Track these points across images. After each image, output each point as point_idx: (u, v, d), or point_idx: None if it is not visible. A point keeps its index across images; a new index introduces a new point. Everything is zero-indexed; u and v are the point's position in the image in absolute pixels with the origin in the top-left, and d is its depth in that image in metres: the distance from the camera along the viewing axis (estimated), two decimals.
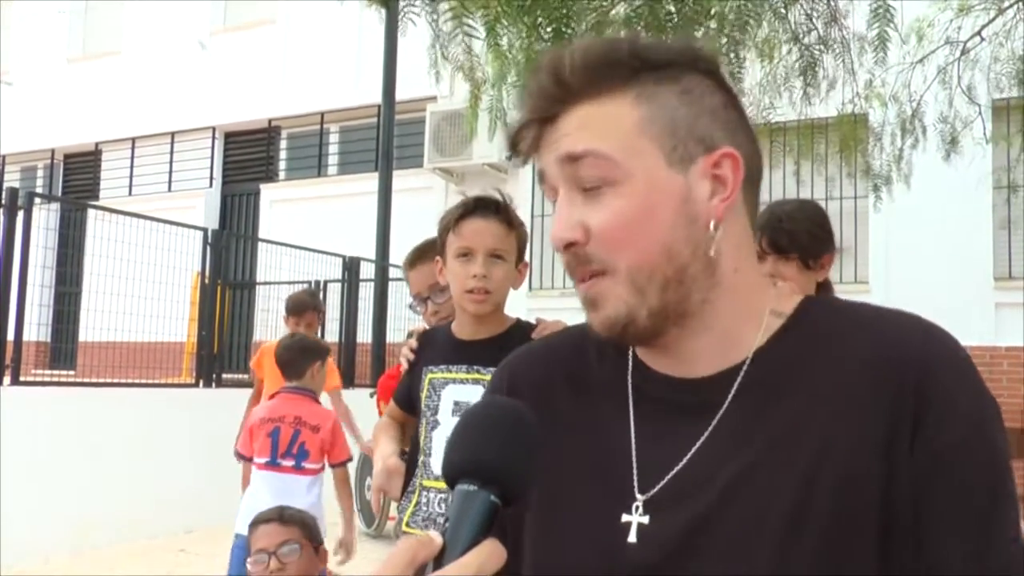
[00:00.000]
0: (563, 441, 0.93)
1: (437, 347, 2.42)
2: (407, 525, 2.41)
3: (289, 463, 4.05)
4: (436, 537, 0.67)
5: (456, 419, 2.29)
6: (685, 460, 0.86)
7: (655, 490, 0.86)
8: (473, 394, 2.30)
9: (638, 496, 0.86)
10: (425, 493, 2.36)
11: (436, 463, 2.34)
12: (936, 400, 0.79)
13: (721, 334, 0.89)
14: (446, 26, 3.24)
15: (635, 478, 0.87)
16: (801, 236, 2.44)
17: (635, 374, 0.94)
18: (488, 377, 2.19)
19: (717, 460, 0.84)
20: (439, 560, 0.66)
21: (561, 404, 0.96)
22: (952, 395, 0.80)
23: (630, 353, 0.96)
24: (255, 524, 2.79)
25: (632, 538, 0.85)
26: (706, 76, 0.90)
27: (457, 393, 2.34)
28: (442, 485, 2.27)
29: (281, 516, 2.79)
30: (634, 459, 0.89)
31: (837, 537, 0.78)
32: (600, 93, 0.88)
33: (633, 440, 0.90)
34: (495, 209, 2.29)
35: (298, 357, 4.25)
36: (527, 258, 2.41)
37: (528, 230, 2.44)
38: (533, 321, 2.44)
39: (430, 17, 3.30)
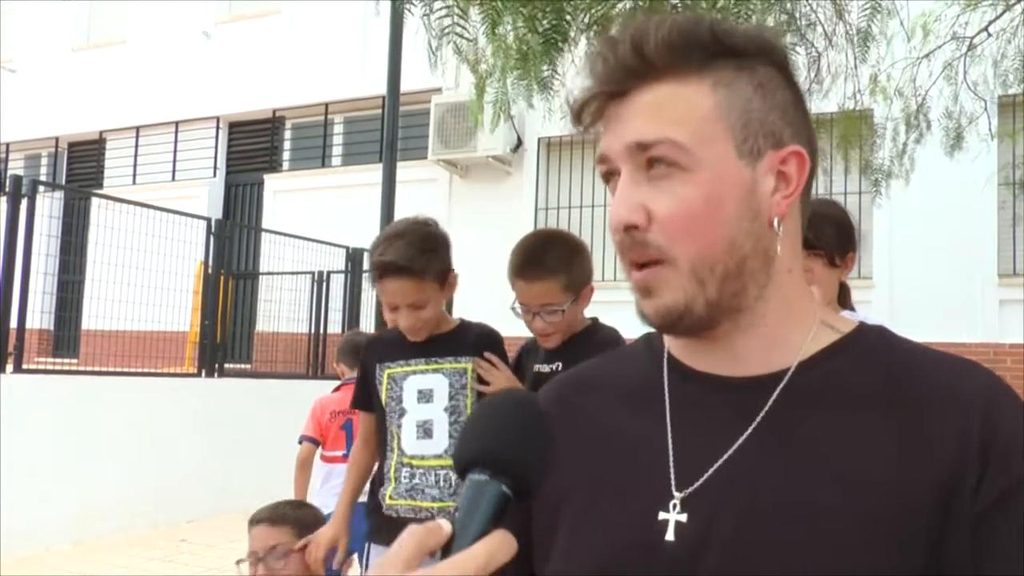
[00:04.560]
0: (598, 441, 0.93)
1: (389, 346, 2.72)
2: (391, 498, 2.65)
3: None
4: (445, 525, 0.65)
5: (421, 405, 2.58)
6: (724, 458, 0.85)
7: (693, 488, 0.85)
8: (435, 382, 2.63)
9: (675, 494, 0.85)
10: (404, 469, 2.63)
11: (407, 445, 2.63)
12: (999, 444, 0.80)
13: (769, 333, 0.89)
14: (439, 23, 3.22)
15: (672, 476, 0.86)
16: (828, 232, 2.44)
17: (671, 373, 0.94)
18: (445, 365, 2.63)
19: (758, 461, 0.84)
20: (447, 549, 0.65)
21: (596, 406, 0.96)
22: (1012, 434, 0.81)
23: (665, 352, 0.96)
24: (251, 522, 2.63)
25: (670, 536, 0.84)
26: (778, 70, 0.90)
27: (420, 382, 2.64)
28: (415, 463, 2.61)
29: (272, 516, 2.56)
30: (671, 457, 0.88)
31: (878, 555, 0.78)
32: (679, 73, 0.86)
33: (670, 438, 0.89)
34: (399, 271, 2.51)
35: (352, 351, 4.38)
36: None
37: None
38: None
39: (423, 13, 3.28)
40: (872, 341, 0.91)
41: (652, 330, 0.95)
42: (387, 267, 2.51)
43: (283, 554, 2.49)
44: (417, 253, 2.51)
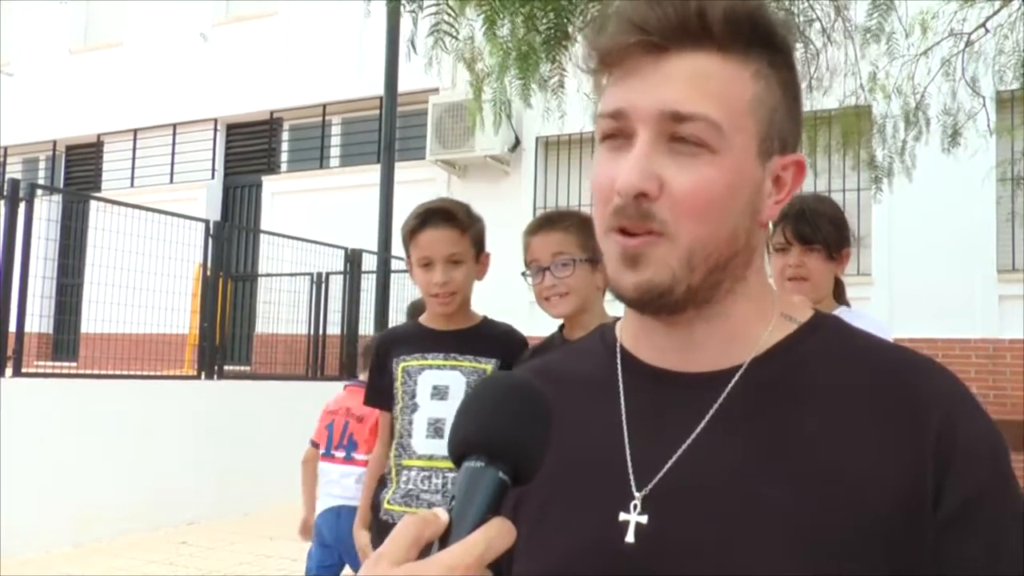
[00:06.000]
0: (556, 438, 0.92)
1: (406, 339, 2.62)
2: (388, 502, 2.56)
3: (340, 454, 4.22)
4: (442, 515, 0.65)
5: (434, 402, 2.46)
6: (676, 457, 0.84)
7: (649, 488, 0.84)
8: (451, 379, 2.51)
9: (635, 494, 0.84)
10: (406, 472, 2.52)
11: (417, 443, 2.51)
12: (959, 447, 0.79)
13: (730, 328, 0.88)
14: (429, 21, 3.21)
15: (631, 476, 0.85)
16: (825, 227, 2.47)
17: (625, 368, 0.92)
18: (464, 363, 2.51)
19: (711, 459, 0.82)
20: (445, 538, 0.64)
21: (556, 400, 0.94)
22: (973, 439, 0.80)
23: (618, 348, 0.95)
24: None
25: (630, 538, 0.82)
26: (790, 71, 0.88)
27: (435, 378, 2.52)
28: (423, 463, 2.49)
29: None
30: (628, 457, 0.86)
31: (834, 556, 0.76)
32: (727, 49, 0.82)
33: (626, 436, 0.87)
34: (445, 217, 2.47)
35: (364, 353, 4.41)
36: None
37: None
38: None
39: (411, 10, 3.27)
40: (828, 332, 0.90)
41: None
42: (432, 212, 2.48)
43: None
44: (461, 211, 2.52)
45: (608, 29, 0.84)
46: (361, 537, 2.66)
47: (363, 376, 4.35)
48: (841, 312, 2.47)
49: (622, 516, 0.84)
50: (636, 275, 0.84)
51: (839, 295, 2.68)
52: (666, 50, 0.82)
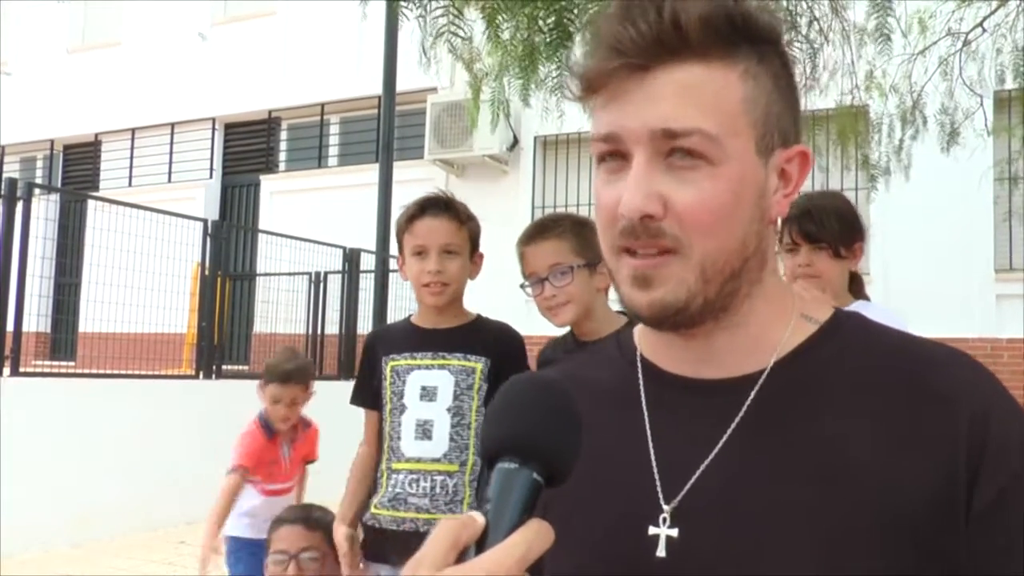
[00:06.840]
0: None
1: (396, 338, 2.57)
2: (375, 507, 2.50)
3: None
4: (478, 518, 0.64)
5: (423, 403, 2.42)
6: (704, 466, 0.83)
7: (678, 500, 0.83)
8: (439, 379, 2.45)
9: (664, 507, 0.83)
10: (394, 476, 2.46)
11: (406, 445, 2.45)
12: (992, 440, 0.77)
13: (751, 333, 0.87)
14: (434, 24, 3.21)
15: (659, 488, 0.84)
16: (831, 223, 2.44)
17: (646, 377, 0.91)
18: (453, 362, 2.45)
19: (739, 466, 0.81)
20: (481, 542, 0.63)
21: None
22: (1005, 432, 0.78)
23: (638, 357, 0.93)
24: (279, 521, 2.65)
25: (661, 552, 0.81)
26: (783, 63, 0.87)
27: (424, 378, 2.47)
28: (411, 466, 2.44)
29: (307, 519, 2.59)
30: (655, 467, 0.85)
31: (869, 551, 0.76)
32: (708, 55, 0.80)
33: (651, 447, 0.86)
34: (444, 207, 2.47)
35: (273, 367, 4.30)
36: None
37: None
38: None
39: (419, 15, 3.26)
40: (850, 331, 0.88)
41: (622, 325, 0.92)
42: (432, 201, 2.48)
43: (320, 557, 2.51)
44: (460, 205, 2.54)
45: (588, 53, 0.84)
46: (339, 532, 2.55)
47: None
48: (859, 306, 2.44)
49: (652, 530, 0.82)
50: (649, 294, 0.83)
51: (857, 290, 2.65)
52: (648, 68, 0.80)
